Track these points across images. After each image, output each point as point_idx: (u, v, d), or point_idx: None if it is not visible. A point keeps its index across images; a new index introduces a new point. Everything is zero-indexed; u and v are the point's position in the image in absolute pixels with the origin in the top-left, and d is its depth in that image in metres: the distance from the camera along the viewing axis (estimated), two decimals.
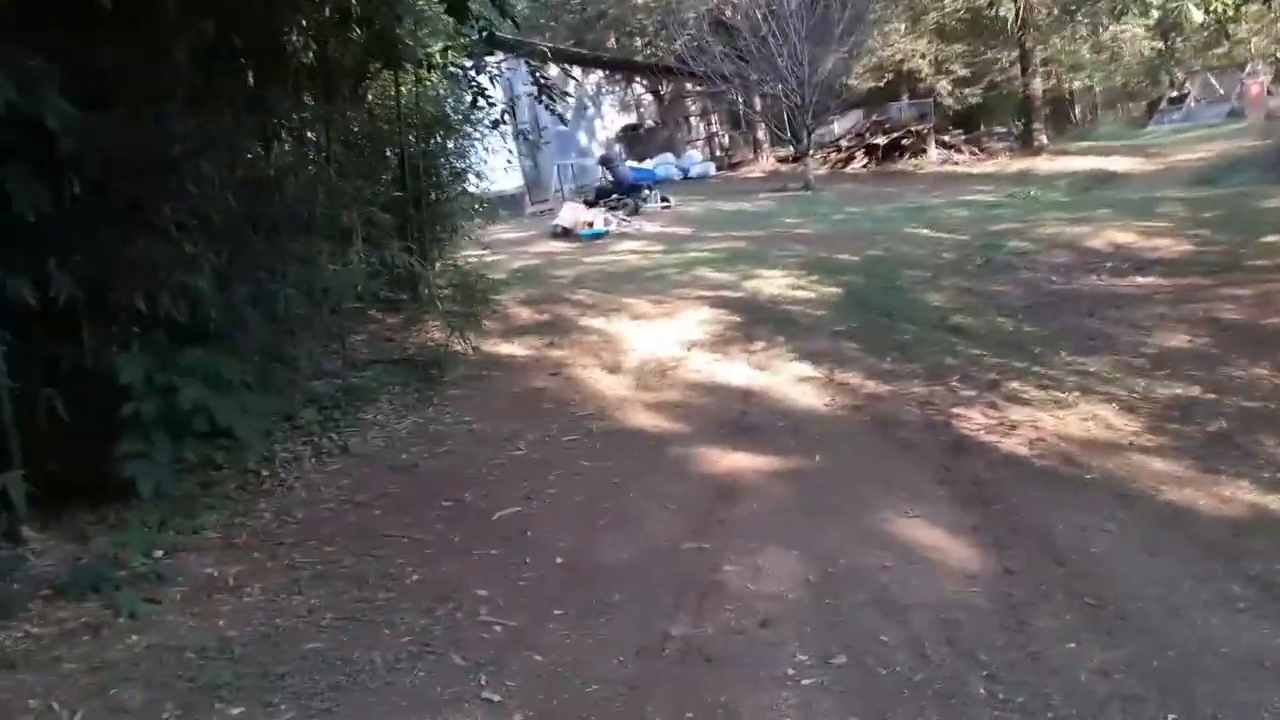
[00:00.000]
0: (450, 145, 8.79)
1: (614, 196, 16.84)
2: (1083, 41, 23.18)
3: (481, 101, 7.46)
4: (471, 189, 9.51)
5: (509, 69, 9.91)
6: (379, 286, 7.52)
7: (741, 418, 5.74)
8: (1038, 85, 25.77)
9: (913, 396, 6.25)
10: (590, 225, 14.46)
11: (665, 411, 5.80)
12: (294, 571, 3.69)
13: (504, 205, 18.86)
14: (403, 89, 7.62)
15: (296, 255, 4.58)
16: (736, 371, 6.71)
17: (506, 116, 7.81)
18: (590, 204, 17.05)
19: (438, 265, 8.57)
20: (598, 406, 5.85)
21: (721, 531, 4.13)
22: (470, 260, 10.95)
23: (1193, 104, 33.22)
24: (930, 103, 30.36)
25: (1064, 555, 4.02)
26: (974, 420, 5.85)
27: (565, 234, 14.33)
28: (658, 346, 7.34)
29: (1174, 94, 33.97)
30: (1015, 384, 6.60)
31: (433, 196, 8.43)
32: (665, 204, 17.34)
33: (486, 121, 8.41)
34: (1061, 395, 6.35)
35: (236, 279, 4.31)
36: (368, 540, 3.96)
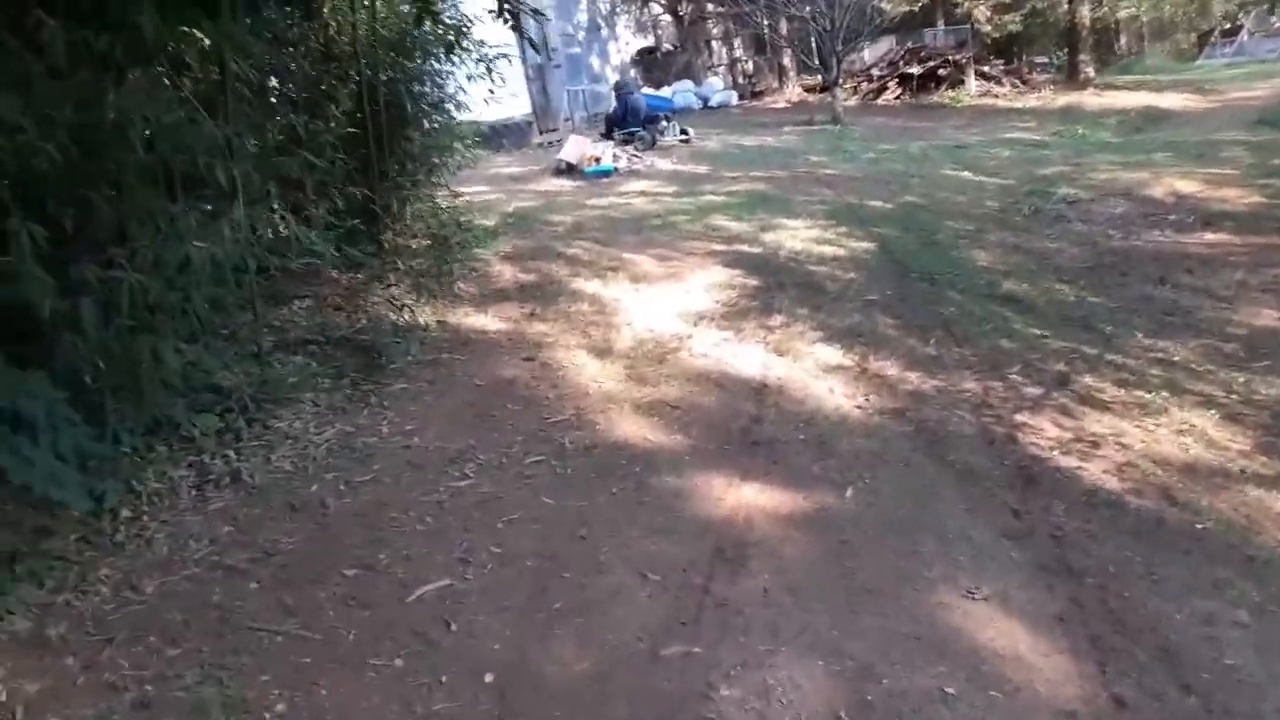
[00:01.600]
0: (428, 68, 7.49)
1: (628, 129, 15.43)
2: None
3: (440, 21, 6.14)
4: (464, 118, 8.22)
5: None
6: (331, 242, 6.37)
7: (754, 426, 4.59)
8: (1085, 13, 23.86)
9: (965, 396, 5.09)
10: (597, 161, 13.17)
11: (659, 416, 4.65)
12: (112, 695, 2.60)
13: (508, 135, 17.52)
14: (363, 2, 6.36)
15: (161, 223, 3.41)
16: (750, 356, 5.54)
17: (465, 38, 6.46)
18: (604, 135, 15.70)
19: (409, 211, 7.36)
20: (576, 408, 4.69)
21: (719, 622, 3.02)
22: (457, 201, 9.76)
23: (1245, 38, 31.11)
24: (967, 30, 28.48)
25: (1190, 671, 2.90)
26: (1044, 433, 4.68)
27: (569, 170, 13.06)
28: (659, 319, 6.17)
29: (1226, 26, 31.80)
30: (1089, 378, 5.42)
31: (403, 132, 7.16)
32: (685, 137, 15.93)
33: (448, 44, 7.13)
34: (1146, 396, 5.17)
35: (74, 259, 3.17)
36: (228, 636, 2.87)
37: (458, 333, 5.75)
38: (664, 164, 13.55)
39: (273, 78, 5.47)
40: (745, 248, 8.33)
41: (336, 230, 6.54)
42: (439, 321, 5.87)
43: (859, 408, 4.82)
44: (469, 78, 7.78)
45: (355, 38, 6.36)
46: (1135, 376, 5.48)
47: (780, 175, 12.55)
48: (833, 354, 5.60)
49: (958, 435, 4.61)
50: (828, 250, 8.29)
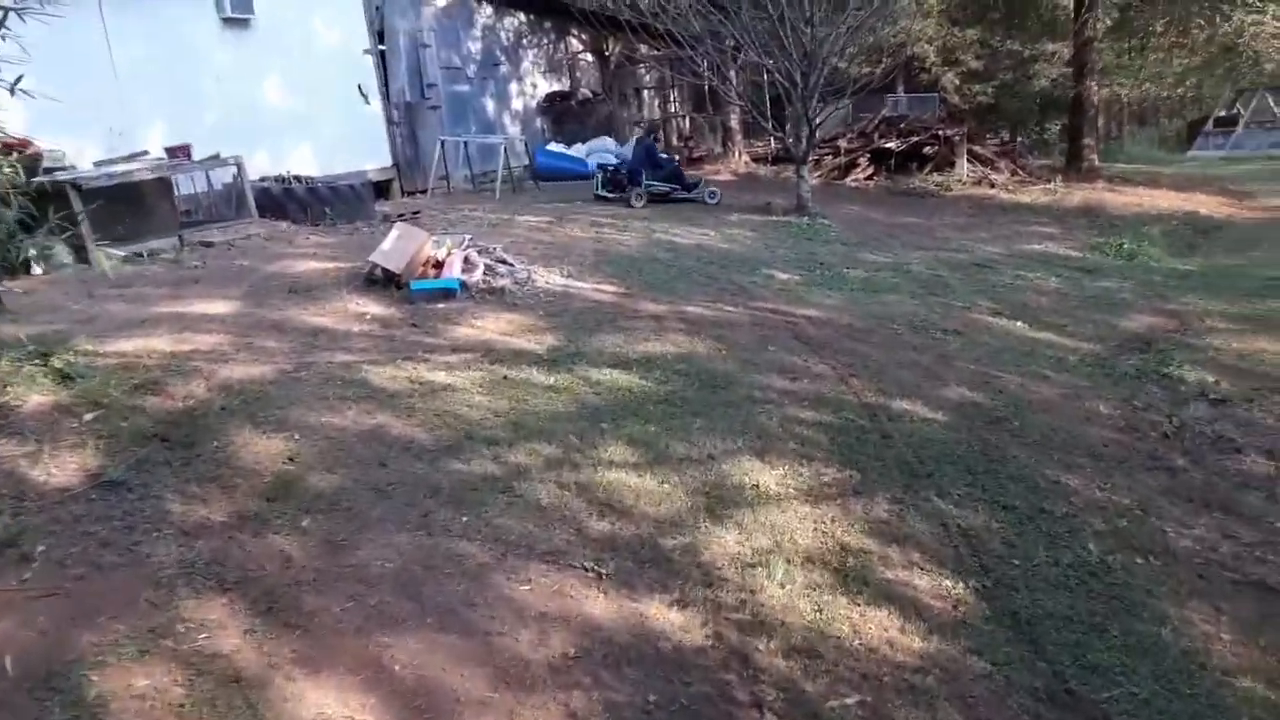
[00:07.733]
0: None
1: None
2: (1199, 32, 16.82)
3: None
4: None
5: None
6: None
7: None
8: (1093, 88, 19.74)
9: None
10: (437, 270, 8.00)
11: None
12: None
13: (339, 202, 12.15)
14: None
15: None
16: None
17: None
18: None
19: None
20: None
21: None
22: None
23: (1241, 128, 27.76)
24: (935, 98, 24.50)
25: None
26: None
27: (387, 281, 7.78)
28: None
29: (1221, 114, 28.43)
30: None
31: None
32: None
33: None
34: None
35: None
36: None
37: None
38: (550, 277, 8.42)
39: None
40: (673, 617, 3.26)
41: None
42: None
43: None
44: None
45: None
46: None
47: (731, 316, 7.56)
48: None
49: None
50: (876, 635, 3.29)
